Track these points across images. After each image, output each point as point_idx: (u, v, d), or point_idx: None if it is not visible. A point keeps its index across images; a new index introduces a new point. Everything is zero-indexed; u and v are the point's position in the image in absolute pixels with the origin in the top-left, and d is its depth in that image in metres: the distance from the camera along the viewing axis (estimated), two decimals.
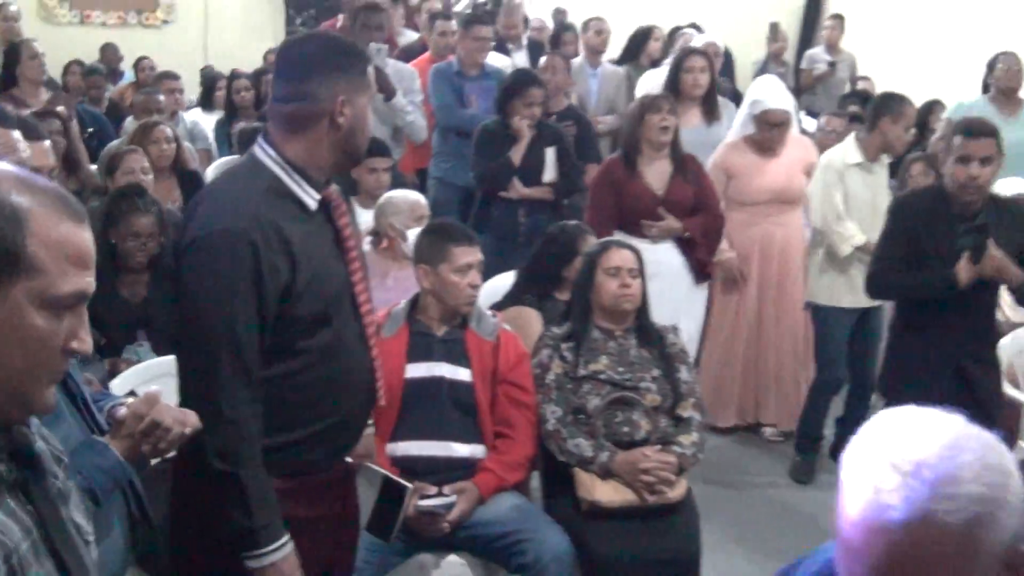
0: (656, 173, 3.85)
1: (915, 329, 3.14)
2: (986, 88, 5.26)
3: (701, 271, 3.91)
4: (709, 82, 4.46)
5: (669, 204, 3.80)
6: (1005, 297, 3.50)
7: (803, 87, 7.47)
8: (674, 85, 4.39)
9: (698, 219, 3.85)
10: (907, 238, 3.06)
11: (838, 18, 7.70)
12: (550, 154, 4.26)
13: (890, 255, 3.10)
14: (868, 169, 3.85)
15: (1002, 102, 5.07)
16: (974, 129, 2.99)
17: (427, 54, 5.31)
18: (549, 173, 4.26)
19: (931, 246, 3.01)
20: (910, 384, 2.94)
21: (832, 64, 7.40)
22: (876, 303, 3.78)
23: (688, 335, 3.26)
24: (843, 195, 3.82)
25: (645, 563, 2.57)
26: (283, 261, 1.73)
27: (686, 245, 3.86)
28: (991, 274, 2.93)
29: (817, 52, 7.62)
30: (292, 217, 1.77)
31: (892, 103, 3.80)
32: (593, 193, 4.01)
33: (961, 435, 1.02)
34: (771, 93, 4.07)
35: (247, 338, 1.72)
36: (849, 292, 3.83)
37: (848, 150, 3.87)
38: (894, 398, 3.23)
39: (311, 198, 1.80)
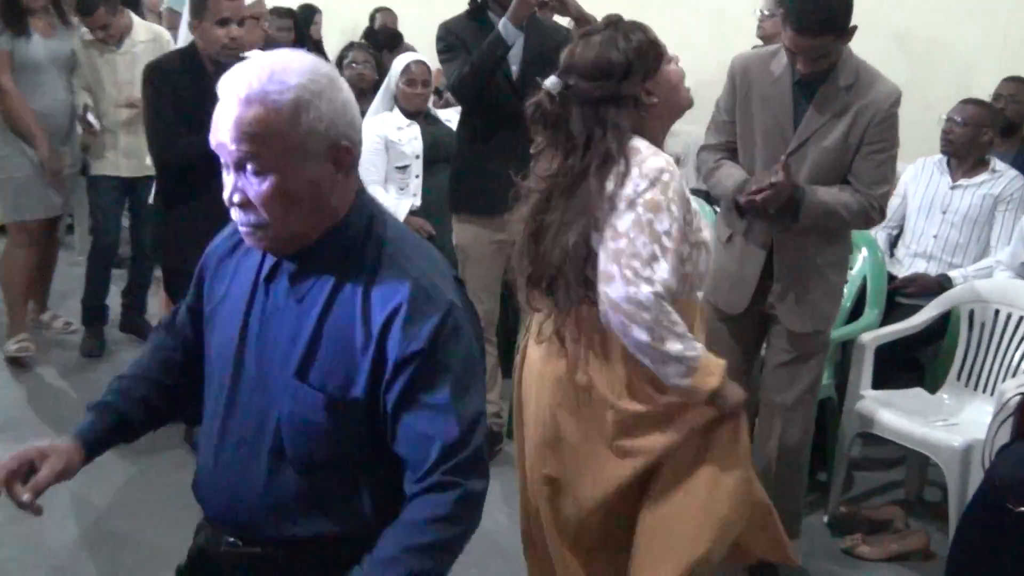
0: None
1: (181, 201, 3.35)
2: None
3: None
4: None
5: None
6: None
7: None
8: None
9: None
10: (173, 100, 3.27)
11: None
12: None
13: (172, 120, 3.21)
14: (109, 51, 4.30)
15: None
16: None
17: None
18: None
19: (192, 106, 3.09)
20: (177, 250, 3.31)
21: None
22: (141, 174, 4.28)
23: None
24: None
25: None
26: None
27: None
28: None
29: None
30: None
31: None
32: None
33: (301, 55, 1.45)
34: None
35: None
36: (113, 160, 4.33)
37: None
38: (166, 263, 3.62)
39: None
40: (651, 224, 1.97)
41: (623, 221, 1.98)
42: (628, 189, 1.99)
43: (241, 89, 1.41)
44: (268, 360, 1.53)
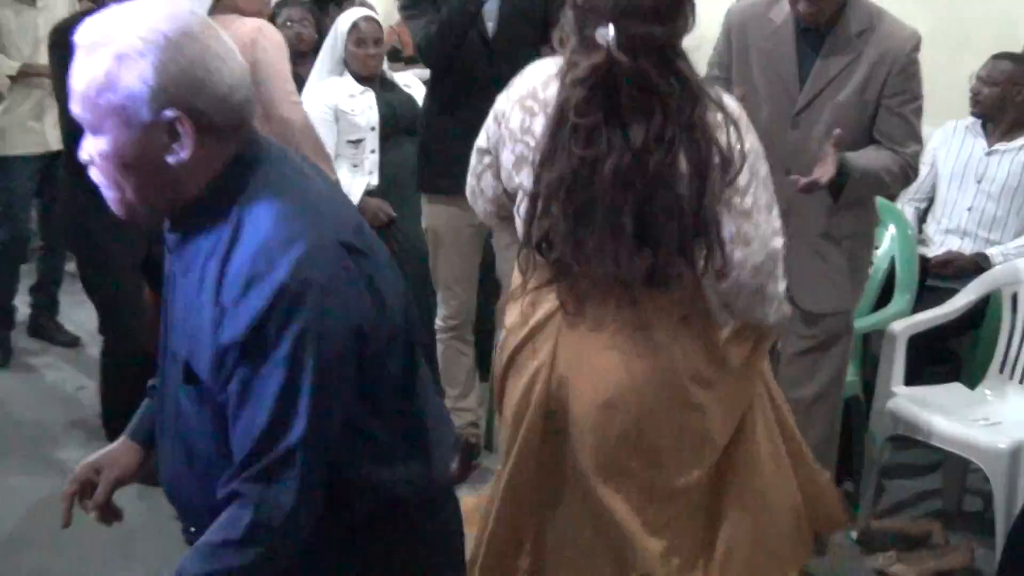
0: None
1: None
2: None
3: None
4: None
5: None
6: None
7: None
8: None
9: None
10: None
11: None
12: None
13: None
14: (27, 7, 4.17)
15: None
16: None
17: None
18: None
19: None
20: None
21: None
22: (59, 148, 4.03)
23: None
24: None
25: None
26: None
27: None
28: None
29: None
30: None
31: None
32: None
33: (159, 4, 1.37)
34: None
35: None
36: (36, 134, 4.16)
37: None
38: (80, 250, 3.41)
39: None
40: (758, 172, 1.90)
41: (742, 175, 1.87)
42: (732, 138, 1.86)
43: (81, 37, 1.37)
44: (175, 338, 1.51)
